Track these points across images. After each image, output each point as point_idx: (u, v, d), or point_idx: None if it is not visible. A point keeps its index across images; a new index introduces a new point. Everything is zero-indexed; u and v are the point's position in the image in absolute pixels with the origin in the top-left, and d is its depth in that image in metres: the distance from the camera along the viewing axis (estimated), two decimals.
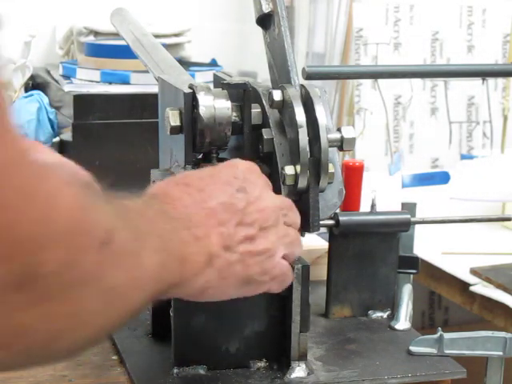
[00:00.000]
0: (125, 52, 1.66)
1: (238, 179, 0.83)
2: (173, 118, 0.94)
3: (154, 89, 1.10)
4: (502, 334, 0.99)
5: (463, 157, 2.19)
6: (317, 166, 0.90)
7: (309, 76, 1.04)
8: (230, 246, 0.79)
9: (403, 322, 1.06)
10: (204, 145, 0.94)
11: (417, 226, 1.13)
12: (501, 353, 0.99)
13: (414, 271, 1.11)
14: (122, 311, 0.65)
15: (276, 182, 0.92)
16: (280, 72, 0.98)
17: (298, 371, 0.93)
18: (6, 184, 0.51)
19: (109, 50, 1.91)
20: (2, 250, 0.51)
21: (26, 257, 0.52)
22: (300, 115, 0.90)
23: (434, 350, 0.98)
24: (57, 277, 0.55)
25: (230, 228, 0.79)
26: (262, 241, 0.82)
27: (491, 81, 2.22)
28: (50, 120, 1.83)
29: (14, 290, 0.52)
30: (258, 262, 0.82)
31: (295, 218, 0.88)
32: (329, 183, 0.93)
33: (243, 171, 0.84)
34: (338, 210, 1.02)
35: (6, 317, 0.53)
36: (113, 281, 0.61)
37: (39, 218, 0.53)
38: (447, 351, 0.98)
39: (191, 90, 0.94)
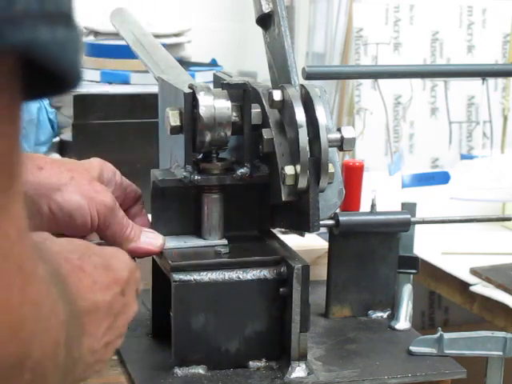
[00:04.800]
0: (125, 52, 1.66)
1: (123, 278, 0.79)
2: (173, 118, 0.94)
3: (154, 89, 1.10)
4: (502, 333, 0.99)
5: (463, 157, 2.19)
6: (317, 166, 0.90)
7: (309, 76, 1.04)
8: (96, 351, 0.75)
9: (403, 322, 1.06)
10: (204, 145, 0.94)
11: (417, 226, 1.13)
12: (501, 353, 0.99)
13: (414, 271, 1.11)
14: None
15: (276, 182, 0.92)
16: (280, 72, 0.98)
17: (298, 371, 0.93)
18: None
19: (109, 50, 1.91)
20: None
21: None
22: (300, 115, 0.90)
23: (433, 350, 0.98)
24: None
25: (100, 331, 0.75)
26: (117, 343, 0.79)
27: (491, 81, 2.22)
28: (50, 120, 1.82)
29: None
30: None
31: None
32: (329, 183, 0.93)
33: (130, 270, 0.80)
34: (338, 210, 1.02)
35: None
36: None
37: None
38: (447, 351, 0.98)
39: (191, 90, 0.94)
